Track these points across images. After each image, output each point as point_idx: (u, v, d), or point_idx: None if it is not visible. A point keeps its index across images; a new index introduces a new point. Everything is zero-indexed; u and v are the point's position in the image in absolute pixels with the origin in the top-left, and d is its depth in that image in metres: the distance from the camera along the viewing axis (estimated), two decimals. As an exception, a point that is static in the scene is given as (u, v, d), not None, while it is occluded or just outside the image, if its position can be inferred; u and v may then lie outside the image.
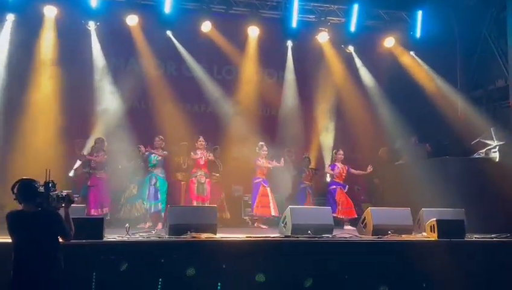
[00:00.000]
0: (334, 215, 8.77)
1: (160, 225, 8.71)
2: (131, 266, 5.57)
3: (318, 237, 6.72)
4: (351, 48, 11.69)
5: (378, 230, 7.14)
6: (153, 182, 9.22)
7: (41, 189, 4.07)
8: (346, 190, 10.02)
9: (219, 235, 6.60)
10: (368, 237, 7.13)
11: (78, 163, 9.67)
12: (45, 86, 9.97)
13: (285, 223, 7.08)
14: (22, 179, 4.11)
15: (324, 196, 10.27)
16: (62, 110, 9.84)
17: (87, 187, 9.09)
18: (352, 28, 11.11)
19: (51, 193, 4.09)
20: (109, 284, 5.50)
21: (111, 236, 6.29)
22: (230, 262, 5.85)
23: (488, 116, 10.82)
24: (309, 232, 6.79)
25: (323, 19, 11.35)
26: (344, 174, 10.05)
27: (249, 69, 11.48)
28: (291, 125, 11.31)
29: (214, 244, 6.21)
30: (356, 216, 9.71)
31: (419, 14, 11.38)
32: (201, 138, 9.59)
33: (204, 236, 6.35)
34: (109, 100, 10.32)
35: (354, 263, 6.15)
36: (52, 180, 4.11)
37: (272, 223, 9.60)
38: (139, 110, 11.16)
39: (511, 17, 10.26)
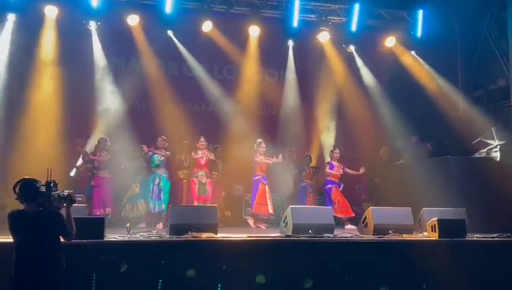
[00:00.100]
0: None
1: (161, 225, 8.73)
2: (132, 266, 5.57)
3: (319, 237, 6.72)
4: (352, 48, 11.70)
5: (379, 230, 7.14)
6: (156, 182, 9.28)
7: (43, 189, 4.07)
8: (341, 189, 10.00)
9: (220, 235, 6.60)
10: (369, 237, 7.13)
11: (80, 162, 9.67)
12: (46, 85, 9.98)
13: (286, 223, 7.08)
14: (24, 178, 4.12)
15: (321, 194, 10.26)
16: (63, 110, 9.85)
17: (91, 187, 9.08)
18: (353, 27, 11.11)
19: (52, 193, 4.10)
20: (110, 284, 5.50)
21: (112, 236, 6.30)
22: (231, 262, 5.85)
23: (489, 116, 10.82)
24: (310, 231, 6.79)
25: (324, 18, 11.35)
26: (339, 173, 10.04)
27: (250, 68, 11.48)
28: (292, 124, 11.32)
29: (215, 244, 6.21)
30: (353, 215, 9.73)
31: (420, 13, 11.38)
32: (202, 138, 9.60)
33: (205, 236, 6.35)
34: (110, 100, 10.34)
35: (355, 262, 6.15)
36: (53, 180, 4.12)
37: (271, 223, 9.60)
38: (140, 109, 11.17)
39: (512, 17, 10.27)
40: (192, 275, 5.66)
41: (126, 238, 6.29)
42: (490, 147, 9.50)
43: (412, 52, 11.74)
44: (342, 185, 10.13)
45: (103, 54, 10.49)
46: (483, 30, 11.49)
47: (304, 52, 11.70)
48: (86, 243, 5.50)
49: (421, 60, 11.69)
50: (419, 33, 11.40)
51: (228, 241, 6.41)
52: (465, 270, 6.16)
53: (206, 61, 11.53)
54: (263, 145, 9.71)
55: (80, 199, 8.83)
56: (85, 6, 9.83)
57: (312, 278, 6.01)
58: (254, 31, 11.17)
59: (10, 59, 9.85)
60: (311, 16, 11.32)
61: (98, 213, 8.68)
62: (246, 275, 5.83)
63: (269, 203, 9.63)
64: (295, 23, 10.82)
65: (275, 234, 7.13)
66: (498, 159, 9.32)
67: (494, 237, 7.13)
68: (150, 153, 9.29)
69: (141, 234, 6.91)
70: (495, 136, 9.51)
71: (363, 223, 7.54)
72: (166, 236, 6.62)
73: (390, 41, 11.63)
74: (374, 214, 7.33)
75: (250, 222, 9.64)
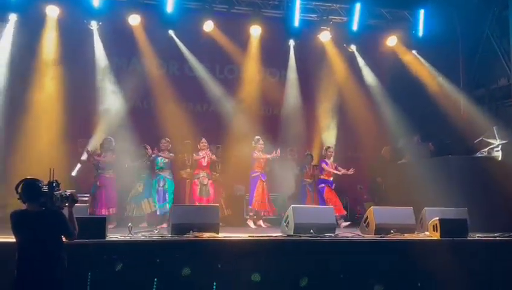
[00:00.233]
0: None
1: (165, 225, 8.72)
2: (133, 266, 5.58)
3: (320, 237, 6.72)
4: (353, 47, 11.70)
5: (380, 229, 7.13)
6: (161, 184, 9.31)
7: (45, 188, 4.07)
8: (333, 187, 10.00)
9: (221, 235, 6.61)
10: (371, 236, 7.12)
11: (81, 164, 9.67)
12: (48, 85, 9.99)
13: (288, 223, 7.08)
14: (26, 178, 4.12)
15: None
16: (64, 109, 9.87)
17: (97, 187, 9.10)
18: (355, 27, 11.11)
19: (54, 193, 4.10)
20: (111, 283, 5.50)
21: (114, 235, 6.31)
22: (233, 262, 5.86)
23: (491, 115, 10.83)
24: (311, 231, 6.79)
25: (325, 18, 11.36)
26: (333, 171, 10.04)
27: (251, 68, 11.49)
28: (294, 124, 11.31)
29: (217, 244, 6.22)
30: (345, 213, 9.74)
31: (422, 13, 11.38)
32: (203, 139, 9.61)
33: (206, 235, 6.36)
34: (111, 100, 10.34)
35: (356, 262, 6.15)
36: (55, 180, 4.12)
37: (273, 222, 9.60)
38: (142, 109, 11.18)
39: (514, 16, 10.26)
40: (188, 274, 5.66)
41: (128, 238, 6.30)
42: (492, 146, 9.48)
43: (414, 52, 11.74)
44: (334, 184, 10.11)
45: (104, 53, 10.50)
46: (484, 29, 11.49)
47: (305, 52, 11.70)
48: (88, 243, 5.51)
49: (422, 60, 11.69)
50: (420, 32, 11.40)
51: (230, 241, 6.41)
52: (467, 270, 6.16)
53: (208, 61, 11.54)
54: (261, 141, 9.71)
55: (86, 198, 8.87)
56: (86, 6, 9.84)
57: (313, 278, 6.01)
58: (255, 31, 11.18)
59: (12, 59, 9.86)
60: (313, 15, 11.33)
61: (103, 213, 8.65)
62: (247, 274, 5.83)
63: (267, 201, 9.62)
64: (296, 23, 10.83)
65: (276, 234, 7.13)
66: (499, 159, 9.31)
67: (495, 237, 7.13)
68: (153, 156, 9.31)
69: (143, 233, 6.91)
70: (496, 135, 9.50)
71: (364, 223, 7.53)
72: (167, 236, 6.63)
73: (391, 41, 11.63)
74: (376, 213, 7.33)
75: (250, 223, 9.60)
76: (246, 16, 11.06)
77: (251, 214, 9.69)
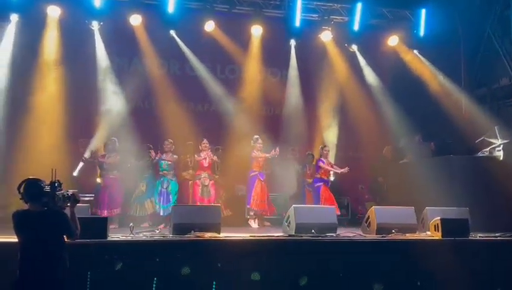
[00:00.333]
0: None
1: (163, 225, 8.73)
2: (134, 266, 5.58)
3: (322, 236, 6.73)
4: (354, 47, 11.70)
5: (382, 229, 7.13)
6: (164, 186, 9.35)
7: (47, 188, 4.08)
8: (329, 186, 9.98)
9: (223, 235, 6.61)
10: (372, 236, 7.12)
11: (87, 155, 9.68)
12: (49, 86, 9.99)
13: (289, 222, 7.09)
14: (28, 178, 4.12)
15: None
16: (66, 110, 9.87)
17: (100, 187, 9.12)
18: (356, 26, 11.11)
19: (56, 193, 4.11)
20: (113, 283, 5.51)
21: (115, 235, 6.31)
22: (234, 261, 5.86)
23: (492, 115, 10.82)
24: (313, 231, 6.79)
25: (326, 17, 11.35)
26: (329, 170, 10.04)
27: (253, 68, 11.48)
28: (295, 124, 11.31)
29: (218, 244, 6.22)
30: (339, 213, 9.73)
31: (423, 12, 11.37)
32: (204, 140, 9.64)
33: (208, 235, 6.36)
34: (113, 100, 10.33)
35: (357, 262, 6.15)
36: (58, 180, 4.13)
37: (274, 222, 9.61)
38: (143, 109, 11.18)
39: (515, 16, 10.26)
40: (187, 273, 5.66)
41: (129, 238, 6.30)
42: (493, 146, 9.47)
43: (415, 51, 11.73)
44: (330, 182, 10.10)
45: (106, 54, 10.50)
46: (486, 29, 11.48)
47: (306, 52, 11.70)
48: (89, 243, 5.51)
49: (424, 59, 11.68)
50: (422, 32, 11.39)
51: (231, 240, 6.42)
52: (468, 269, 6.16)
53: (209, 60, 11.54)
54: (260, 141, 9.73)
55: (87, 198, 8.87)
56: (88, 6, 9.85)
57: (315, 278, 6.01)
58: (256, 31, 11.18)
59: (13, 59, 9.86)
60: (314, 15, 11.32)
61: (105, 214, 8.65)
62: (248, 274, 5.83)
63: (266, 201, 9.62)
64: (297, 23, 10.83)
65: (277, 234, 7.13)
66: (501, 158, 9.29)
67: (497, 237, 7.13)
68: (157, 158, 9.36)
69: (144, 233, 6.92)
70: (498, 135, 9.48)
71: (366, 223, 7.53)
72: (169, 236, 6.64)
73: (393, 41, 11.62)
74: (377, 213, 7.33)
75: (251, 223, 9.60)
76: (247, 15, 11.07)
77: (251, 213, 9.69)
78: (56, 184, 4.10)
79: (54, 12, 9.99)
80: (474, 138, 9.95)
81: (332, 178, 10.48)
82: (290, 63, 11.74)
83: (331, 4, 11.22)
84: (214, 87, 11.30)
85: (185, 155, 9.84)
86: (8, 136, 9.64)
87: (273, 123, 11.47)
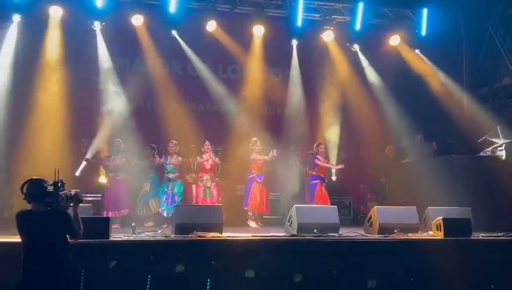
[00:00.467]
0: None
1: (165, 225, 8.74)
2: (135, 265, 5.59)
3: (324, 236, 6.73)
4: (356, 47, 11.68)
5: (384, 229, 7.13)
6: (170, 188, 9.45)
7: (51, 189, 4.09)
8: (325, 184, 9.99)
9: (225, 235, 6.62)
10: (374, 236, 7.13)
11: (89, 156, 9.71)
12: (51, 86, 9.99)
13: (291, 222, 7.09)
14: (31, 178, 4.14)
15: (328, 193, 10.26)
16: (68, 110, 9.88)
17: (106, 189, 9.15)
18: (358, 26, 11.10)
19: (59, 193, 4.12)
20: (114, 283, 5.52)
21: (117, 235, 6.32)
22: (235, 261, 5.87)
23: (494, 114, 10.81)
24: (315, 231, 6.79)
25: (328, 17, 11.35)
26: (325, 167, 10.05)
27: (254, 68, 11.48)
28: (297, 124, 11.30)
29: (220, 244, 6.23)
30: None
31: (425, 12, 11.36)
32: (207, 142, 9.68)
33: (210, 235, 6.37)
34: (115, 100, 10.34)
35: (359, 262, 6.15)
36: (61, 180, 4.14)
37: (268, 223, 9.63)
38: (145, 109, 11.19)
39: (517, 15, 10.25)
40: (181, 271, 5.66)
41: (131, 238, 6.31)
42: (495, 145, 9.46)
43: (417, 51, 11.71)
44: (327, 182, 10.10)
45: (108, 54, 10.50)
46: (488, 28, 11.46)
47: (308, 52, 11.70)
48: (91, 243, 5.52)
49: (425, 59, 11.65)
50: (423, 31, 11.38)
51: (233, 240, 6.42)
52: (471, 269, 6.15)
53: (211, 60, 11.54)
54: (258, 143, 9.76)
55: (89, 198, 8.90)
56: (89, 7, 9.86)
57: (316, 277, 6.02)
58: (258, 31, 11.17)
59: (15, 60, 9.88)
60: (315, 15, 11.32)
61: (110, 215, 8.64)
62: (249, 274, 5.84)
63: (265, 203, 9.66)
64: (299, 23, 10.83)
65: (279, 234, 7.14)
66: (503, 158, 9.28)
67: (499, 236, 7.12)
68: (161, 161, 9.45)
69: (146, 233, 6.93)
70: (500, 134, 9.47)
71: (368, 223, 7.54)
72: (171, 236, 6.64)
73: (394, 40, 11.61)
74: (379, 213, 7.33)
75: (250, 223, 9.62)
76: (249, 15, 11.06)
77: (250, 214, 9.71)
78: (59, 184, 4.12)
79: (56, 12, 9.99)
80: (476, 137, 9.94)
81: (334, 178, 10.49)
82: (291, 63, 11.74)
83: (332, 4, 11.21)
84: (216, 87, 11.30)
85: (187, 158, 9.87)
86: (10, 136, 9.65)
87: (275, 123, 11.47)
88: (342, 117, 11.75)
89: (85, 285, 5.39)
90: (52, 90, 9.98)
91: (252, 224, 9.58)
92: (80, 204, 4.35)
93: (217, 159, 9.74)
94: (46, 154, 9.02)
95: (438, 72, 11.52)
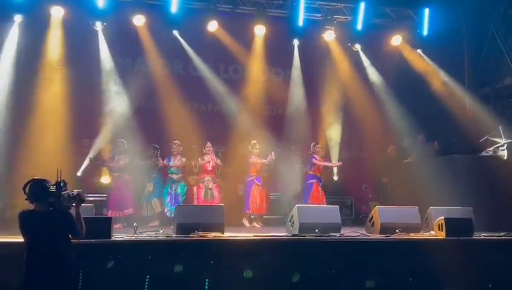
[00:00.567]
0: None
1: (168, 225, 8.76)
2: (135, 265, 5.59)
3: (325, 236, 6.73)
4: (357, 46, 11.67)
5: (386, 229, 7.13)
6: (173, 188, 9.52)
7: (53, 189, 4.10)
8: (321, 184, 9.99)
9: (227, 234, 6.62)
10: (376, 236, 7.12)
11: (87, 162, 9.71)
12: (53, 86, 10.00)
13: (293, 222, 7.10)
14: (33, 178, 4.15)
15: (328, 193, 10.26)
16: (70, 110, 9.88)
17: (111, 190, 9.17)
18: (359, 26, 11.09)
19: (62, 193, 4.13)
20: (115, 283, 5.52)
21: (119, 235, 6.32)
22: (237, 261, 5.87)
23: (496, 114, 10.78)
24: (316, 231, 6.79)
25: (329, 17, 11.34)
26: (321, 166, 10.04)
27: (256, 68, 11.48)
28: (298, 123, 11.29)
29: (222, 244, 6.23)
30: None
31: (426, 11, 11.34)
32: (208, 144, 9.71)
33: (211, 235, 6.37)
34: (116, 100, 10.34)
35: (361, 261, 6.15)
36: (63, 180, 4.15)
37: (269, 223, 9.61)
38: (147, 109, 11.18)
39: (519, 14, 10.24)
40: (180, 270, 5.66)
41: (133, 238, 6.32)
42: (497, 145, 9.46)
43: (418, 51, 11.69)
44: (323, 180, 10.11)
45: (109, 54, 10.51)
46: (490, 28, 11.44)
47: (309, 51, 11.69)
48: (93, 243, 5.53)
49: (427, 59, 11.64)
50: (425, 31, 11.37)
51: (235, 240, 6.43)
52: (473, 269, 6.15)
53: (212, 60, 11.54)
54: (257, 146, 9.80)
55: (91, 198, 8.91)
56: (91, 7, 9.86)
57: (317, 277, 6.02)
58: (260, 31, 11.17)
59: (17, 59, 9.88)
60: (317, 15, 11.31)
61: (113, 216, 8.64)
62: (250, 274, 5.84)
63: (264, 204, 9.69)
64: (301, 22, 10.82)
65: (281, 233, 7.14)
66: (505, 158, 9.28)
67: (501, 236, 7.12)
68: (164, 162, 9.50)
69: (148, 233, 6.93)
70: (502, 134, 9.47)
71: (370, 222, 7.53)
72: (173, 235, 6.65)
73: (396, 40, 11.59)
74: (381, 213, 7.33)
75: (245, 222, 9.66)
76: (250, 15, 11.06)
77: (252, 217, 9.74)
78: (61, 184, 4.12)
79: (57, 12, 10.00)
80: (478, 137, 9.94)
81: (336, 178, 10.48)
82: (293, 63, 11.73)
83: (334, 4, 11.21)
84: (217, 87, 11.31)
85: (189, 160, 9.88)
86: (12, 136, 9.65)
87: (276, 123, 11.47)
88: (343, 117, 11.73)
89: (83, 285, 5.39)
90: (53, 90, 9.98)
91: (246, 223, 9.63)
92: (82, 204, 4.35)
93: (218, 161, 9.78)
94: (47, 154, 9.03)
95: (439, 72, 11.51)
